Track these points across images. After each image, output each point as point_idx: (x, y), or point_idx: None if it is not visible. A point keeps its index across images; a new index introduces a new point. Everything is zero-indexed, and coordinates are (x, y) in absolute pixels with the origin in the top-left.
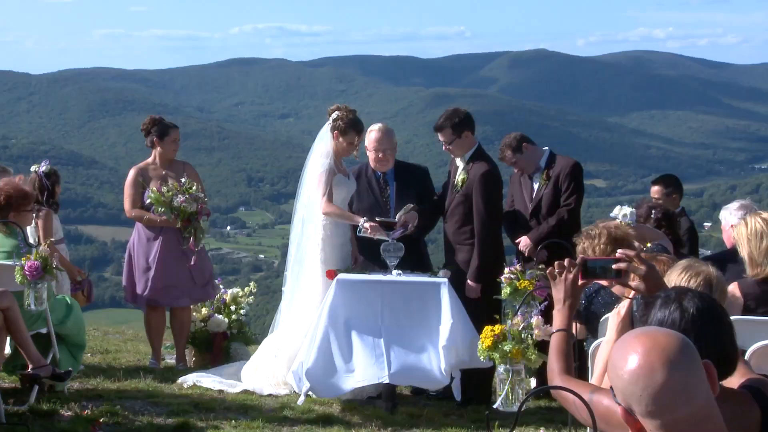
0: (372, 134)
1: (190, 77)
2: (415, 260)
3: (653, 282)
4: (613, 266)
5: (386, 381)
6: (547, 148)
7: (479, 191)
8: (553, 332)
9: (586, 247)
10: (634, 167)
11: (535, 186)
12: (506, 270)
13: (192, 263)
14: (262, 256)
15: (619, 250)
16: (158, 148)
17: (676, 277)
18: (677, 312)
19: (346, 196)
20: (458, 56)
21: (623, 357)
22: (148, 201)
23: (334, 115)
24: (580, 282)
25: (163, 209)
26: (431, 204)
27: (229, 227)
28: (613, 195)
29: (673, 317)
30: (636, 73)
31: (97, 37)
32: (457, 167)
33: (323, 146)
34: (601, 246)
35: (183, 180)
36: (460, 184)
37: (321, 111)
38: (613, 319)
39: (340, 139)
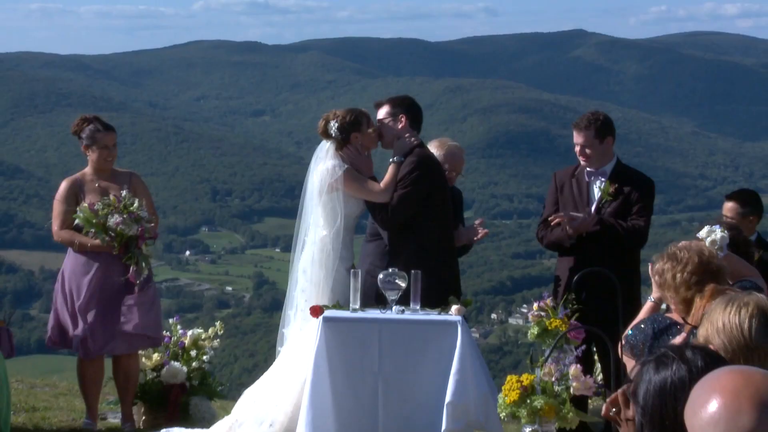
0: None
1: (141, 64)
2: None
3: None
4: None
5: None
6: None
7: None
8: None
9: (666, 269)
10: (694, 177)
11: (594, 194)
12: (535, 306)
13: (134, 300)
14: (229, 288)
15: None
16: (89, 157)
17: (721, 314)
18: (682, 368)
19: (360, 211)
20: (476, 39)
21: (704, 396)
22: (77, 221)
23: (333, 125)
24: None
25: (95, 231)
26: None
27: (188, 252)
28: (668, 212)
29: (680, 375)
30: (700, 59)
31: (25, 13)
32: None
33: (324, 162)
34: (685, 275)
35: (123, 193)
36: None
37: (303, 107)
38: None
39: (359, 137)
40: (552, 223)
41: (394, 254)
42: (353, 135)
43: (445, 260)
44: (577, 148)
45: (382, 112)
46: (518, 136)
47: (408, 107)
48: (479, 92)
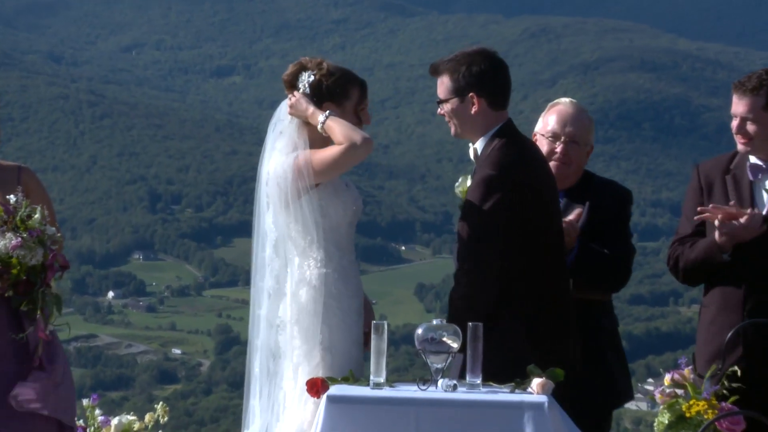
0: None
1: None
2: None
3: None
4: None
5: None
6: None
7: None
8: None
9: None
10: None
11: (763, 198)
12: (666, 379)
13: (37, 363)
14: (177, 351)
15: None
16: None
17: None
18: None
19: (352, 217)
20: None
21: None
22: None
23: (307, 77)
24: None
25: None
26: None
27: (111, 294)
28: None
29: None
30: None
31: None
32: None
33: (288, 139)
34: None
35: (14, 198)
36: None
37: (294, 61)
38: None
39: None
40: (696, 219)
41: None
42: (326, 104)
43: (548, 307)
44: (735, 122)
45: (441, 91)
46: (639, 108)
47: (479, 77)
48: (576, 38)
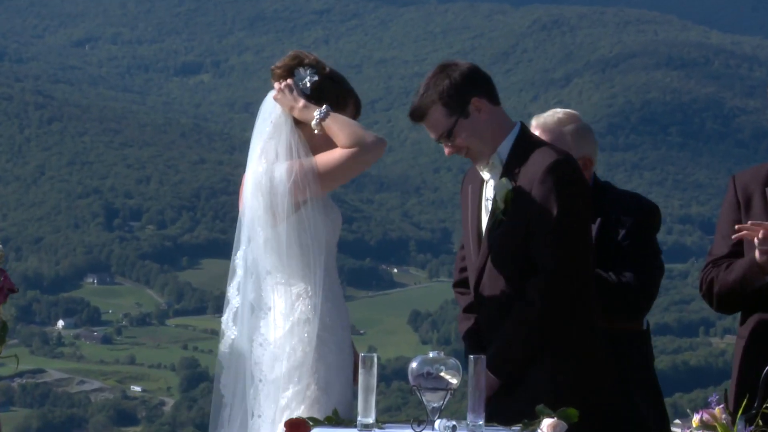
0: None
1: None
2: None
3: None
4: None
5: None
6: None
7: None
8: None
9: None
10: None
11: None
12: (695, 420)
13: None
14: (137, 388)
15: None
16: None
17: None
18: None
19: (333, 236)
20: None
21: None
22: None
23: (309, 76)
24: None
25: None
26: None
27: (61, 323)
28: None
29: None
30: None
31: None
32: None
33: (284, 135)
34: None
35: None
36: None
37: (269, 58)
38: None
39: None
40: (734, 238)
41: (493, 328)
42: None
43: (593, 344)
44: None
45: (439, 125)
46: (665, 111)
47: (466, 80)
48: (593, 31)
